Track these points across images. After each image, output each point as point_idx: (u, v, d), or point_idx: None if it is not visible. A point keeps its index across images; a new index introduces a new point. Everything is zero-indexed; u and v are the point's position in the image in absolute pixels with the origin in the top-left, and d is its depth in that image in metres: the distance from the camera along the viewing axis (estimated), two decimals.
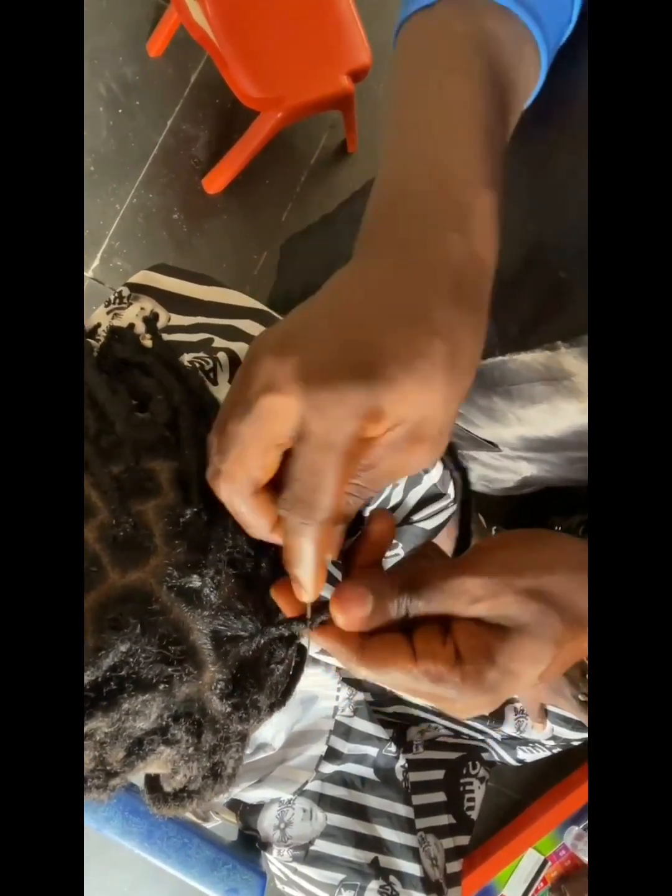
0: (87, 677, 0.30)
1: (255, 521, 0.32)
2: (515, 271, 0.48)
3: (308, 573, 0.31)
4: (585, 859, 1.05)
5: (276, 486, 0.31)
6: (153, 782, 0.38)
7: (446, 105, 0.34)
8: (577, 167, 0.41)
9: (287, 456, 0.30)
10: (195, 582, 0.33)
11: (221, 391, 0.45)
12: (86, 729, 0.31)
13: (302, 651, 0.42)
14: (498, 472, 0.72)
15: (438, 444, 0.31)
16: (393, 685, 0.33)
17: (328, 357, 0.29)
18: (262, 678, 0.36)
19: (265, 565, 0.36)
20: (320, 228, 0.93)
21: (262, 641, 0.35)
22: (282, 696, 0.39)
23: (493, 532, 0.86)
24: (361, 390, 0.28)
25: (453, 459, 0.73)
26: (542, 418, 0.57)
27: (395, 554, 0.68)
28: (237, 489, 0.31)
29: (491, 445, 0.66)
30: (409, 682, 0.32)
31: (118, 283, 1.38)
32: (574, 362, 0.47)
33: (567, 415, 0.54)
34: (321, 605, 0.34)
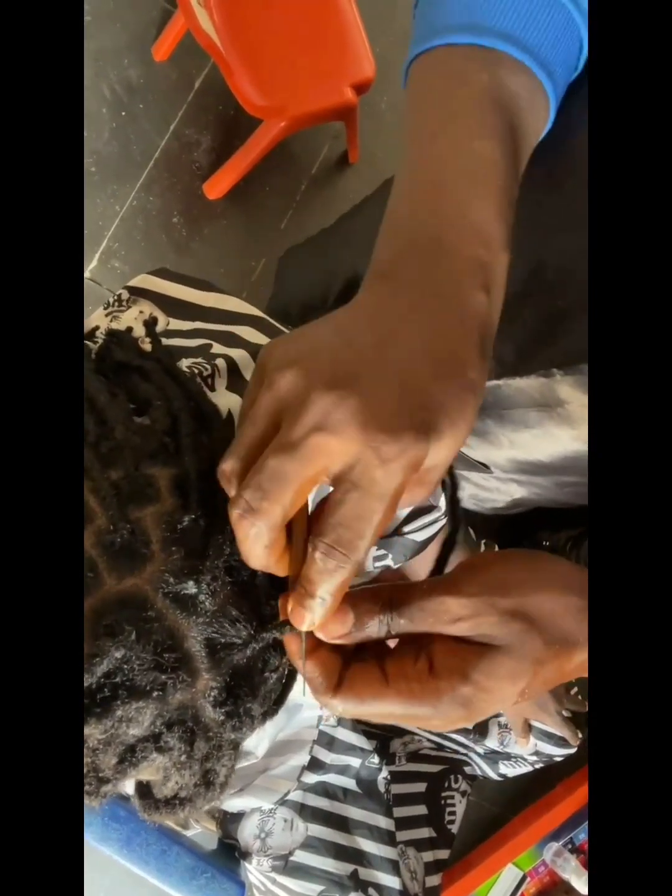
0: None
1: (267, 557, 0.31)
2: (513, 298, 0.49)
3: (327, 609, 0.30)
4: (563, 875, 1.05)
5: None
6: (144, 788, 0.38)
7: (473, 164, 0.36)
8: (575, 199, 0.42)
9: None
10: (191, 588, 0.33)
11: (219, 398, 0.45)
12: None
13: None
14: (489, 492, 0.73)
15: (433, 488, 0.32)
16: (373, 715, 0.33)
17: (389, 406, 0.29)
18: (255, 686, 0.36)
19: (261, 573, 0.36)
20: (317, 243, 0.93)
21: (257, 648, 0.35)
22: (275, 704, 0.39)
23: (483, 546, 0.87)
24: (420, 444, 0.28)
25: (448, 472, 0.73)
26: (534, 443, 0.57)
27: (385, 565, 0.68)
28: (268, 527, 0.29)
29: (482, 467, 0.67)
30: (387, 707, 0.32)
31: (115, 284, 1.38)
32: (569, 390, 0.48)
33: (559, 441, 0.54)
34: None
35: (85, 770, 0.33)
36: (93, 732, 0.31)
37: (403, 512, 0.68)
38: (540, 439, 0.56)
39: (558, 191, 0.46)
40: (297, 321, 0.86)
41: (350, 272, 0.75)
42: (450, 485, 0.73)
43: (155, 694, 0.32)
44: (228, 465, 0.31)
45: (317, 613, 0.30)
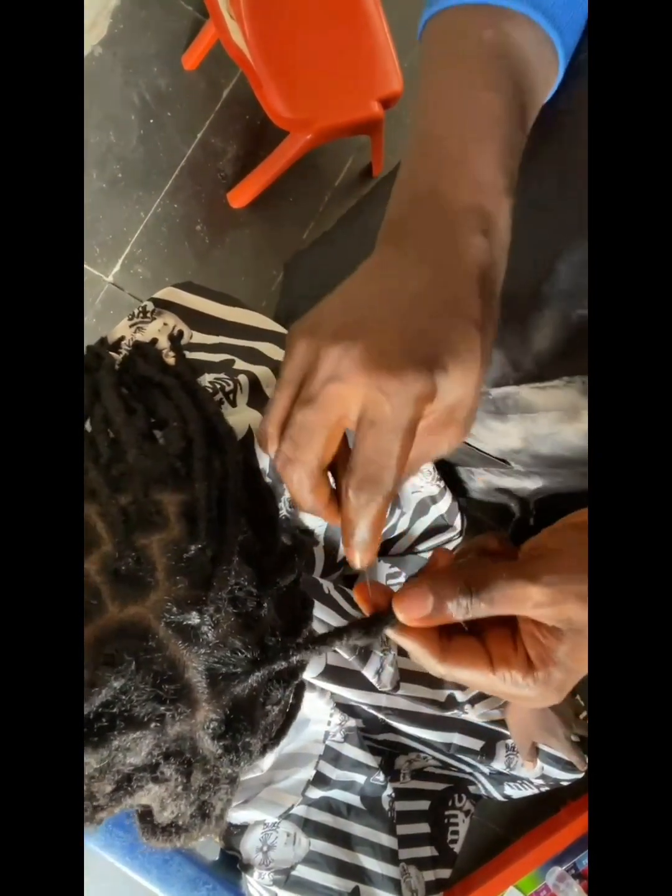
0: None
1: (315, 501, 0.34)
2: (527, 301, 0.49)
3: (368, 543, 0.33)
4: None
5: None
6: (145, 812, 0.38)
7: (476, 116, 0.37)
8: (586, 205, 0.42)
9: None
10: (194, 619, 0.32)
11: (240, 413, 0.46)
12: None
13: (298, 692, 0.41)
14: (506, 484, 0.72)
15: (466, 427, 0.34)
16: (469, 683, 0.35)
17: (391, 347, 0.31)
18: (255, 720, 0.36)
19: (267, 605, 0.36)
20: (321, 245, 0.93)
21: (259, 680, 0.34)
22: (275, 737, 0.38)
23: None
24: (424, 378, 0.30)
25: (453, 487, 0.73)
26: (556, 442, 0.57)
27: (399, 583, 0.68)
28: (307, 473, 0.33)
29: (501, 462, 0.67)
30: (486, 683, 0.35)
31: (137, 289, 1.39)
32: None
33: (582, 438, 0.54)
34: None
35: None
36: (89, 761, 0.31)
37: (418, 529, 0.68)
38: (562, 437, 0.56)
39: (568, 195, 0.46)
40: None
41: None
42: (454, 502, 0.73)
43: (153, 725, 0.31)
44: (265, 428, 0.34)
45: (360, 549, 0.33)
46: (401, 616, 0.34)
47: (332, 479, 0.36)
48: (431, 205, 0.35)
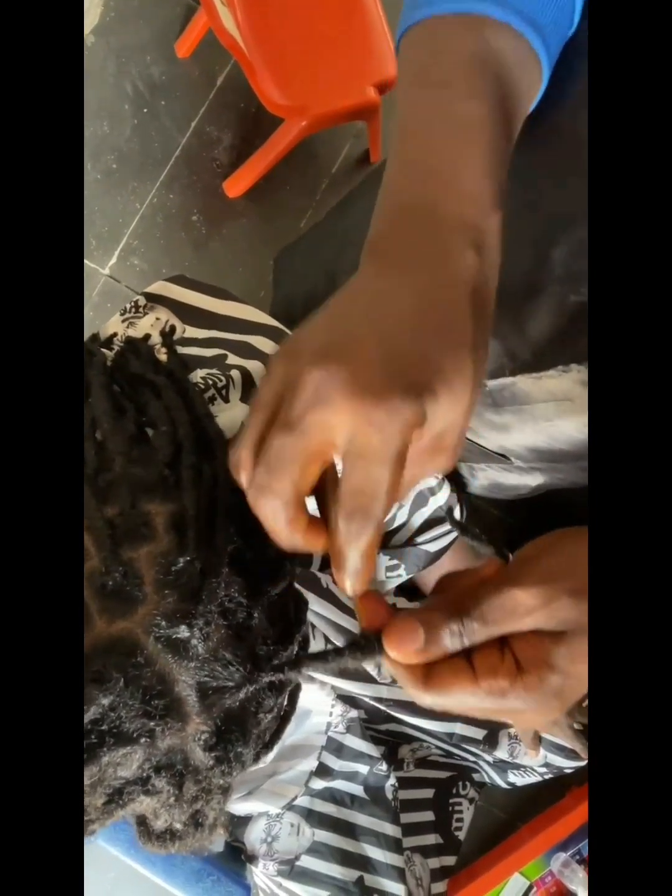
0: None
1: (291, 533, 0.32)
2: (519, 290, 0.48)
3: (360, 572, 0.31)
4: (571, 887, 1.04)
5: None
6: (142, 817, 0.38)
7: (459, 127, 0.36)
8: (580, 192, 0.41)
9: None
10: (183, 633, 0.32)
11: (233, 409, 0.45)
12: None
13: (292, 696, 0.41)
14: (510, 481, 0.72)
15: (456, 452, 0.32)
16: (462, 708, 0.33)
17: (377, 372, 0.29)
18: (247, 730, 0.35)
19: (258, 615, 0.35)
20: (312, 237, 0.93)
21: (250, 691, 0.34)
22: (267, 743, 0.38)
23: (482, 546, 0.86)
24: (411, 405, 0.28)
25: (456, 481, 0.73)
26: (554, 434, 0.57)
27: (398, 575, 0.68)
28: (282, 504, 0.31)
29: (502, 458, 0.66)
30: (477, 702, 0.32)
31: (134, 281, 1.38)
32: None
33: (579, 430, 0.54)
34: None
35: None
36: None
37: (417, 521, 0.68)
38: (559, 430, 0.56)
39: (562, 183, 0.45)
40: (301, 322, 0.86)
41: (354, 270, 0.75)
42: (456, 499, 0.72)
43: (143, 740, 0.31)
44: (238, 455, 0.32)
45: (353, 577, 0.31)
46: (393, 653, 0.32)
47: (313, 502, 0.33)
48: (419, 218, 0.34)
